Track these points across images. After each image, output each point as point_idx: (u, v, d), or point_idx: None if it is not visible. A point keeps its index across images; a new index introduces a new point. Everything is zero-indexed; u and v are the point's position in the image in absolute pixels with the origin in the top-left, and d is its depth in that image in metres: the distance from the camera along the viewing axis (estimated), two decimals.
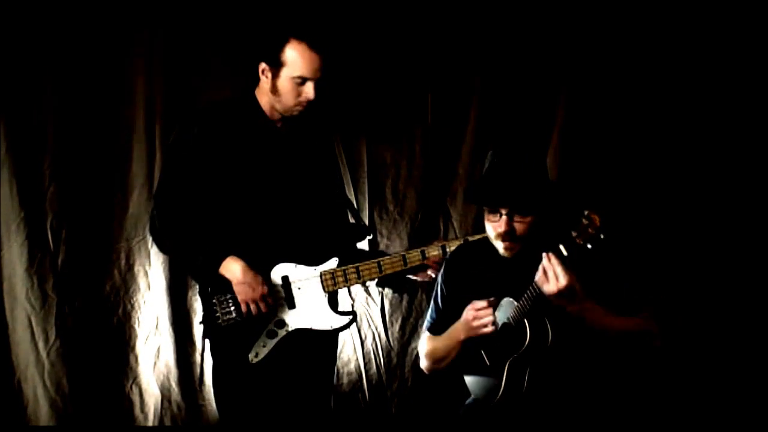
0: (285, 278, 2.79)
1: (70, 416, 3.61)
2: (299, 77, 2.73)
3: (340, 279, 2.81)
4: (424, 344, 2.75)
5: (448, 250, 2.84)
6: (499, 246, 2.52)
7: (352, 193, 3.71)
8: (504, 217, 2.47)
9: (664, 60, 3.59)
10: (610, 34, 3.61)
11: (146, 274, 3.66)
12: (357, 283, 2.84)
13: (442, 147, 3.75)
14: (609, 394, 2.50)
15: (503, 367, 2.47)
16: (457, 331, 2.59)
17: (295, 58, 2.73)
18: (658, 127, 3.61)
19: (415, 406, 3.74)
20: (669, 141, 3.61)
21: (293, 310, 2.78)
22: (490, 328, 2.48)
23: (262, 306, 2.72)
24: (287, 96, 2.76)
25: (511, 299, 2.49)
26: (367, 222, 3.70)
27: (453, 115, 3.74)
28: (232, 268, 2.72)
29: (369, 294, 3.72)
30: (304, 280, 2.79)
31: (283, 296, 2.78)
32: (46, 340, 3.60)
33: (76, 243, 3.62)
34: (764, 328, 3.50)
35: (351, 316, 2.84)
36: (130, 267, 3.66)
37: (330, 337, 2.95)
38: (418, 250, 2.88)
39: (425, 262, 2.87)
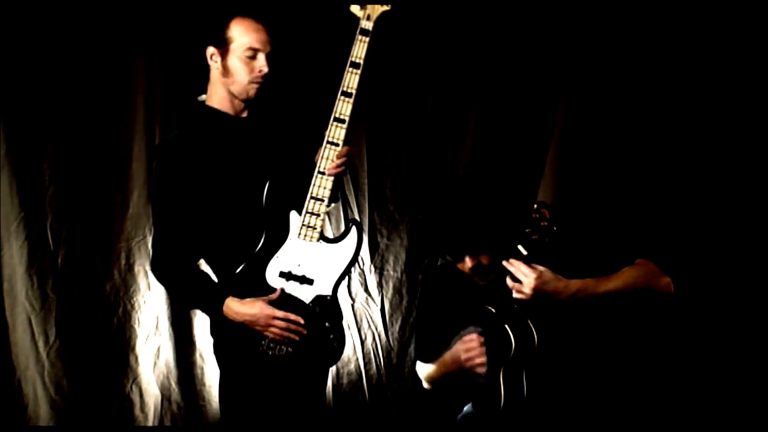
0: (283, 271, 2.76)
1: (70, 416, 3.62)
2: (249, 49, 2.65)
3: (311, 218, 2.66)
4: (420, 372, 2.77)
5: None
6: (477, 280, 2.56)
7: (352, 193, 3.72)
8: (466, 257, 2.50)
9: (664, 61, 3.60)
10: (610, 35, 3.61)
11: (146, 274, 3.66)
12: (323, 205, 2.65)
13: (442, 147, 3.76)
14: (613, 380, 2.50)
15: (498, 377, 2.46)
16: (447, 363, 2.59)
17: (242, 32, 2.66)
18: (658, 127, 3.61)
19: (415, 406, 3.75)
20: (668, 140, 3.61)
21: (311, 285, 2.71)
22: (482, 369, 2.48)
23: (289, 319, 2.63)
24: (239, 73, 2.66)
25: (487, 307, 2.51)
26: (367, 222, 3.71)
27: (453, 115, 3.75)
28: (234, 309, 2.62)
29: (369, 294, 3.73)
30: (296, 256, 2.73)
31: (297, 283, 2.72)
32: (46, 340, 3.61)
33: (76, 243, 3.63)
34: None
35: (354, 226, 2.71)
36: (130, 267, 3.66)
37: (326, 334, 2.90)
38: None
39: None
